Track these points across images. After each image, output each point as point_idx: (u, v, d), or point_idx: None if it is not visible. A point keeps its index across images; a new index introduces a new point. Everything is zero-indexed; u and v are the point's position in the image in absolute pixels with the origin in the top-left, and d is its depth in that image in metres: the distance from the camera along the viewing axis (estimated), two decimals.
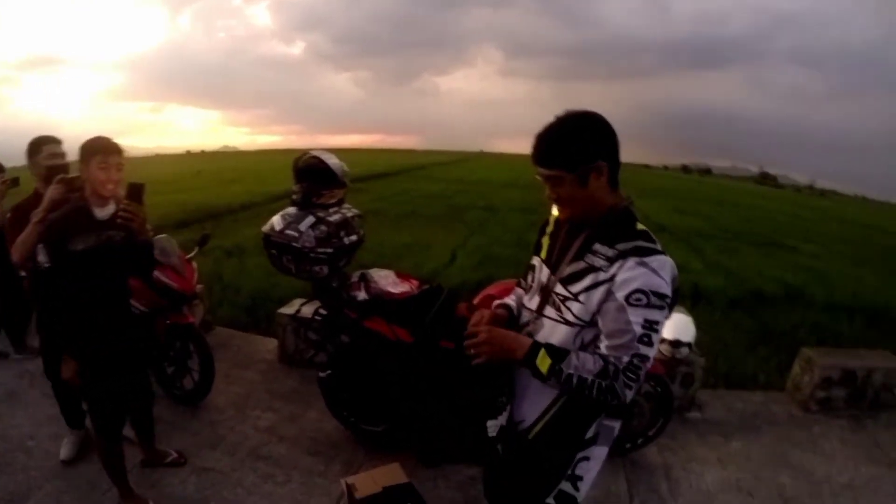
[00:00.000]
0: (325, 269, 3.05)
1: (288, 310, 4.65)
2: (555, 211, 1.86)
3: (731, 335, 6.60)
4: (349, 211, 3.17)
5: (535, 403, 1.80)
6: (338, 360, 3.46)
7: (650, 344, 1.56)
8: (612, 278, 1.60)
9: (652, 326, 1.55)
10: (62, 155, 3.34)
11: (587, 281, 1.65)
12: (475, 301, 3.36)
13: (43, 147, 3.35)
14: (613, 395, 1.57)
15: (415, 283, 3.39)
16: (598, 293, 1.62)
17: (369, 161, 47.67)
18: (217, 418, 3.99)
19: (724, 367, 5.57)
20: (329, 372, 3.47)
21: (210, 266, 8.04)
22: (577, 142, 1.62)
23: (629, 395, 1.57)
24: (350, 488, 2.90)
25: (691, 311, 4.94)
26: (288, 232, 2.99)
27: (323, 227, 2.97)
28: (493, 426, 1.85)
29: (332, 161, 3.08)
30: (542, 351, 1.63)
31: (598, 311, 1.63)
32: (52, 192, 2.86)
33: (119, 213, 2.54)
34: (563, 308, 1.71)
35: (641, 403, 3.66)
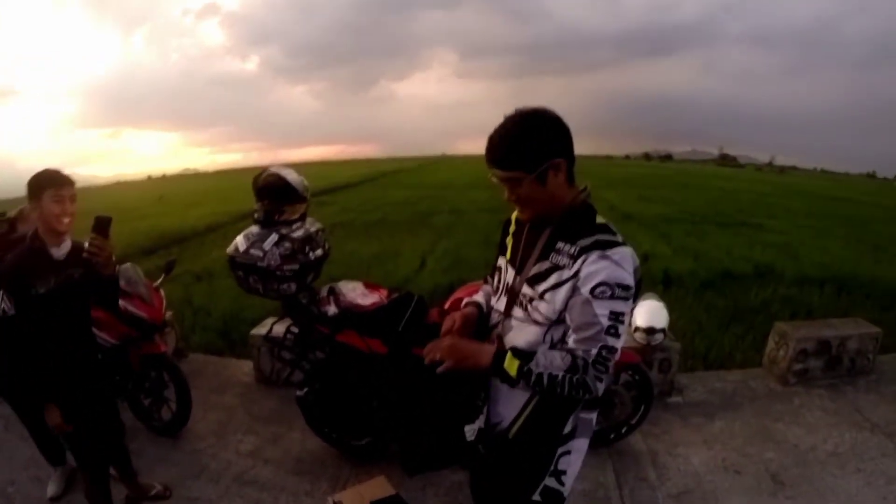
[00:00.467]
0: (293, 287, 3.02)
1: (260, 330, 4.59)
2: (516, 211, 1.85)
3: (705, 316, 6.68)
4: (312, 225, 3.14)
5: (510, 403, 1.79)
6: (314, 377, 3.42)
7: (617, 335, 1.55)
8: (575, 274, 1.59)
9: (618, 318, 1.55)
10: None
11: (552, 280, 1.64)
12: (446, 305, 3.34)
13: None
14: (585, 389, 1.56)
15: (384, 292, 3.37)
16: (563, 290, 1.62)
17: (332, 173, 47.57)
18: (198, 447, 3.91)
19: (700, 349, 5.63)
20: (306, 389, 3.43)
21: (179, 292, 7.93)
22: (532, 141, 1.60)
23: (600, 387, 1.57)
24: None
25: (663, 295, 4.98)
26: (252, 252, 2.95)
27: (287, 244, 2.94)
28: (470, 430, 1.83)
29: (292, 176, 3.05)
30: (508, 354, 1.61)
31: (565, 307, 1.62)
32: None
33: (87, 248, 2.48)
34: (530, 308, 1.70)
35: (622, 393, 3.68)
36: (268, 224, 3.02)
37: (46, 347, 2.52)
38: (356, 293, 3.26)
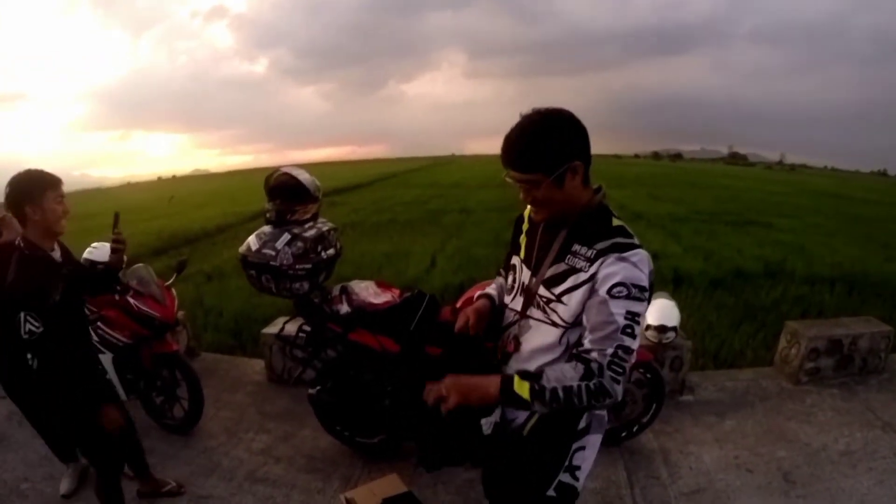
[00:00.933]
0: (305, 286, 3.03)
1: (272, 329, 4.61)
2: (529, 209, 1.85)
3: (716, 315, 6.66)
4: (324, 225, 3.16)
5: None
6: (326, 376, 3.43)
7: (633, 336, 1.54)
8: (592, 276, 1.59)
9: (634, 318, 1.54)
10: None
11: (569, 282, 1.65)
12: (458, 304, 3.35)
13: None
14: (604, 394, 1.52)
15: (396, 291, 3.38)
16: (581, 293, 1.62)
17: (342, 173, 47.67)
18: (210, 444, 3.94)
19: (711, 348, 5.62)
20: (318, 388, 3.44)
21: (191, 292, 7.97)
22: (551, 144, 1.58)
23: (619, 390, 1.53)
24: (349, 503, 2.89)
25: (673, 294, 4.98)
26: (265, 251, 2.96)
27: (299, 244, 2.95)
28: (487, 423, 1.84)
29: (304, 176, 3.06)
30: (516, 378, 1.58)
31: (582, 310, 1.62)
32: None
33: (113, 243, 2.55)
34: (547, 310, 1.71)
35: (633, 391, 3.68)
36: (280, 224, 3.03)
37: (60, 350, 2.48)
38: (368, 292, 3.27)
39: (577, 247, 1.65)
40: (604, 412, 1.86)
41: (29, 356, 2.46)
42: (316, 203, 3.12)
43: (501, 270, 2.09)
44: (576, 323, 1.65)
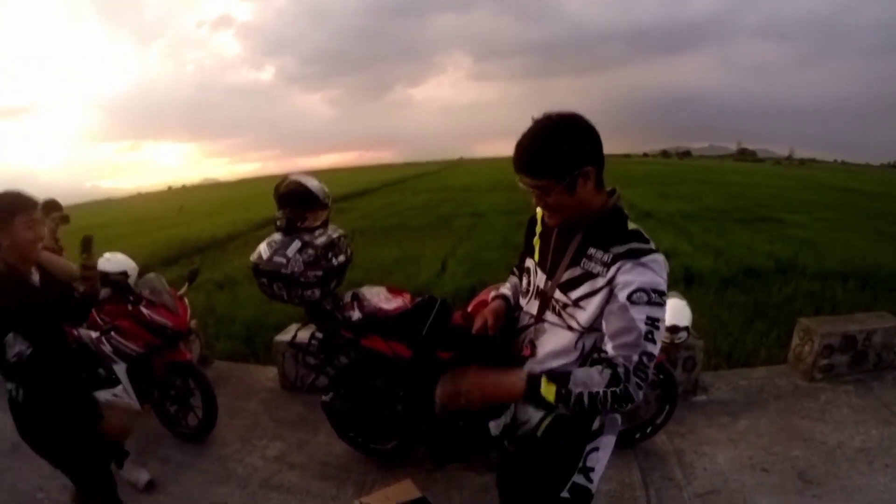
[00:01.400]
0: (317, 293, 3.04)
1: (284, 336, 4.62)
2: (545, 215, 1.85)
3: (728, 314, 6.64)
4: (335, 232, 3.16)
5: None
6: (339, 382, 3.44)
7: (655, 341, 1.55)
8: (610, 282, 1.60)
9: (654, 324, 1.54)
10: None
11: (586, 287, 1.65)
12: (469, 308, 3.35)
13: None
14: (627, 400, 1.53)
15: (407, 296, 3.38)
16: (598, 298, 1.63)
17: (350, 179, 47.77)
18: (225, 452, 3.95)
19: (724, 347, 5.60)
20: (332, 394, 3.45)
21: (203, 300, 8.00)
22: (563, 150, 1.58)
23: (640, 395, 1.55)
24: None
25: (685, 293, 4.95)
26: (276, 259, 2.97)
27: (310, 251, 2.96)
28: (495, 426, 1.85)
29: (313, 183, 3.07)
30: (544, 380, 1.60)
31: (600, 315, 1.63)
32: None
33: (82, 270, 2.49)
34: (564, 314, 1.72)
35: (646, 392, 3.67)
36: (290, 231, 3.04)
37: (56, 380, 2.48)
38: (380, 298, 3.28)
39: (592, 251, 1.66)
40: (617, 413, 1.86)
41: (12, 387, 2.43)
42: (326, 210, 3.13)
43: (515, 269, 2.11)
44: (592, 328, 1.66)
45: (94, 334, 3.74)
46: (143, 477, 3.53)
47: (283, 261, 2.95)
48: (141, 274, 4.32)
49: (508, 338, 1.97)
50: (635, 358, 1.53)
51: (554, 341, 1.75)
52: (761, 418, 4.09)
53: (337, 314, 3.21)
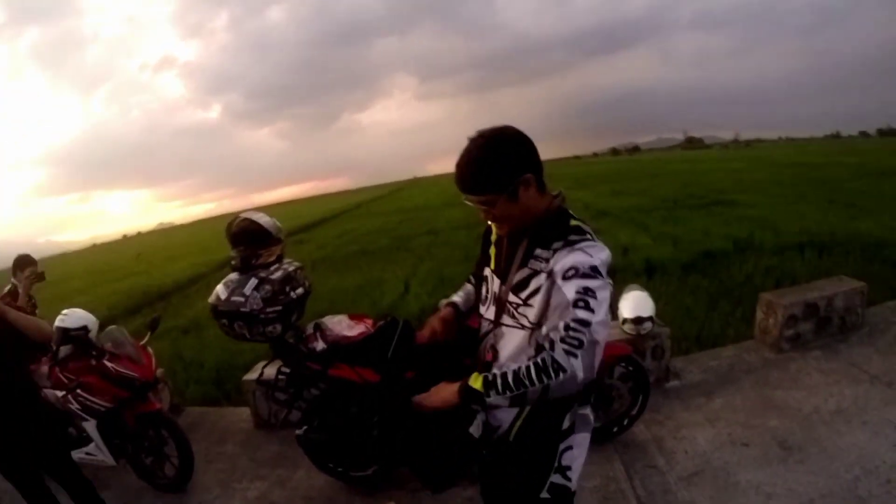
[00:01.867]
0: (279, 328, 3.02)
1: (252, 375, 4.57)
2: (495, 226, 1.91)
3: (691, 299, 6.74)
4: (290, 265, 3.15)
5: (508, 407, 1.82)
6: (311, 414, 3.41)
7: (588, 308, 1.54)
8: (550, 273, 1.64)
9: (587, 292, 1.56)
10: None
11: (532, 285, 1.70)
12: None
13: None
14: (557, 368, 1.52)
15: (369, 321, 3.37)
16: (542, 291, 1.67)
17: (306, 210, 47.65)
18: (206, 498, 3.88)
19: (691, 331, 5.67)
20: (305, 427, 3.42)
21: (168, 348, 7.88)
22: (498, 164, 1.64)
23: (575, 364, 1.52)
24: None
25: (647, 284, 5.04)
26: (234, 299, 2.95)
27: (267, 287, 2.94)
28: (475, 427, 1.86)
29: (264, 219, 3.06)
30: (473, 374, 1.66)
31: (546, 307, 1.66)
32: None
33: None
34: (517, 314, 1.76)
35: (618, 386, 3.71)
36: (246, 269, 3.02)
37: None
38: (342, 326, 3.26)
39: (538, 251, 1.70)
40: (588, 410, 1.88)
41: None
42: (279, 244, 3.12)
43: (471, 277, 2.18)
44: (541, 323, 1.69)
45: (59, 393, 3.67)
46: None
47: (241, 299, 2.93)
48: (101, 327, 4.25)
49: (461, 344, 2.03)
50: (562, 324, 1.55)
51: (512, 343, 1.79)
52: (735, 395, 4.16)
53: (301, 347, 3.19)
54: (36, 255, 5.20)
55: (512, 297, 1.76)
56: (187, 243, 36.57)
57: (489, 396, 1.60)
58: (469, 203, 1.73)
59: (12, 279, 4.64)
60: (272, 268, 3.04)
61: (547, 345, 1.56)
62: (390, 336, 3.05)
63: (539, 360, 1.54)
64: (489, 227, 1.99)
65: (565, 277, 1.59)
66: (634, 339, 4.18)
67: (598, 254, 1.62)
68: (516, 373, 1.56)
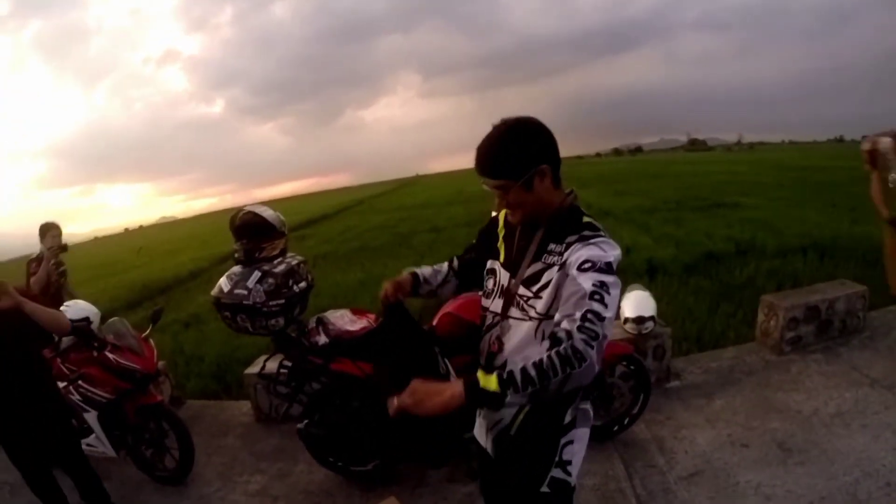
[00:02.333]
0: (281, 321, 3.03)
1: (254, 369, 4.58)
2: (502, 213, 1.94)
3: (693, 300, 6.73)
4: (293, 259, 3.16)
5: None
6: (313, 408, 3.41)
7: (603, 303, 1.53)
8: (563, 265, 1.65)
9: (603, 286, 1.55)
10: None
11: (545, 278, 1.71)
12: (434, 322, 3.36)
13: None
14: (578, 357, 1.46)
15: (371, 316, 3.38)
16: (553, 283, 1.67)
17: (308, 206, 47.60)
18: (206, 491, 3.88)
19: (693, 332, 5.67)
20: (306, 421, 3.42)
21: (170, 341, 7.87)
22: (517, 150, 1.68)
23: (592, 354, 1.47)
24: None
25: (649, 285, 5.03)
26: (237, 291, 2.95)
27: (270, 280, 2.95)
28: (480, 436, 1.87)
29: (268, 213, 3.07)
30: (480, 374, 1.51)
31: (556, 299, 1.66)
32: None
33: None
34: (526, 307, 1.76)
35: (619, 385, 3.71)
36: (249, 262, 3.03)
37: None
38: (344, 320, 3.27)
39: (552, 245, 1.72)
40: (588, 405, 1.89)
41: None
42: (283, 238, 3.12)
43: (455, 258, 2.20)
44: (548, 314, 1.69)
45: (61, 384, 3.68)
46: None
47: (244, 292, 2.94)
48: (104, 319, 4.25)
49: (467, 349, 2.05)
50: (578, 314, 1.52)
51: (518, 334, 1.78)
52: (736, 396, 4.15)
53: (303, 341, 3.20)
54: (36, 249, 5.30)
55: (522, 290, 1.77)
56: (189, 237, 36.62)
57: (507, 396, 1.47)
58: (485, 187, 1.76)
59: (40, 246, 5.24)
60: (275, 261, 3.05)
61: (563, 335, 1.51)
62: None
63: (561, 349, 1.47)
64: (492, 221, 2.02)
65: (581, 269, 1.59)
66: (636, 338, 4.18)
67: (611, 250, 1.63)
68: (538, 365, 1.46)
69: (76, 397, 3.68)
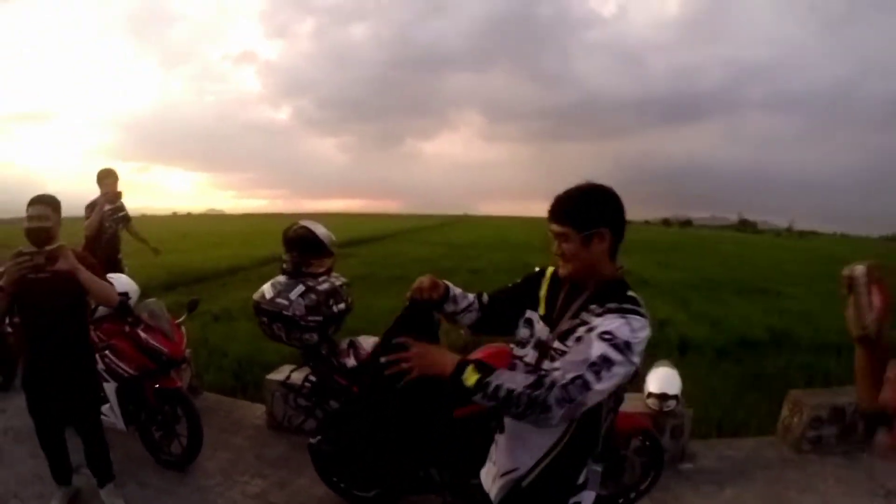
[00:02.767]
0: (315, 337, 3.08)
1: (277, 376, 4.64)
2: (552, 267, 1.99)
3: (720, 383, 6.62)
4: (337, 280, 3.22)
5: (532, 450, 1.84)
6: (328, 426, 3.45)
7: (598, 378, 1.58)
8: (592, 327, 1.69)
9: (606, 363, 1.59)
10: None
11: (577, 333, 1.74)
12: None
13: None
14: (543, 409, 1.56)
15: None
16: (583, 339, 1.70)
17: (355, 226, 47.85)
18: (205, 484, 3.94)
19: (714, 416, 5.57)
20: (319, 438, 3.46)
21: (197, 330, 7.96)
22: (588, 206, 1.78)
23: (558, 414, 1.57)
24: None
25: (679, 362, 4.98)
26: (278, 300, 3.02)
27: (312, 296, 3.01)
28: (485, 474, 1.96)
29: (321, 231, 3.15)
30: (470, 367, 1.66)
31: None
32: None
33: None
34: (557, 359, 1.77)
35: (632, 458, 3.68)
36: (295, 275, 3.10)
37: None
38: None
39: (592, 306, 1.76)
40: (599, 467, 1.89)
41: None
42: (331, 258, 3.20)
43: (484, 293, 2.26)
44: None
45: None
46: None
47: (286, 303, 3.00)
48: (141, 298, 4.36)
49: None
50: (569, 376, 1.58)
51: None
52: (747, 488, 4.08)
53: (333, 360, 3.24)
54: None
55: (557, 345, 1.80)
56: (233, 233, 37.04)
57: (475, 395, 1.63)
58: (550, 233, 1.83)
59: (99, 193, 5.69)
60: (320, 279, 3.12)
61: (547, 383, 1.58)
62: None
63: (535, 394, 1.57)
64: (539, 272, 2.07)
65: (600, 338, 1.62)
66: (656, 414, 4.15)
67: (639, 332, 1.66)
68: (510, 392, 1.58)
69: (100, 366, 3.77)
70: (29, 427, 3.42)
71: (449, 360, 1.71)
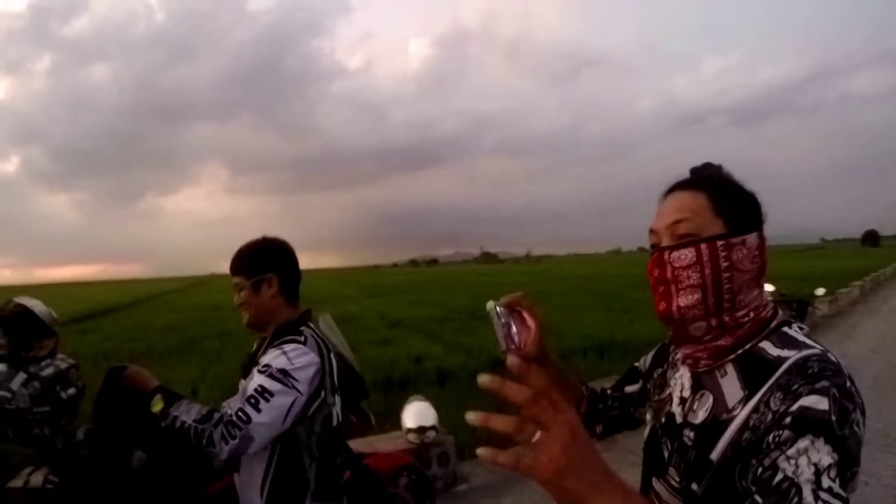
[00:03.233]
0: (46, 430, 2.78)
1: (17, 483, 4.09)
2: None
3: (480, 405, 6.78)
4: (63, 362, 2.94)
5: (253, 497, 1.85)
6: None
7: (257, 408, 1.68)
8: (259, 363, 1.80)
9: (264, 393, 1.70)
10: None
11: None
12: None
13: None
14: (209, 443, 1.66)
15: None
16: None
17: (94, 295, 43.91)
18: None
19: (480, 436, 5.83)
20: None
21: None
22: (255, 256, 1.92)
23: (225, 450, 1.67)
24: None
25: (439, 391, 5.19)
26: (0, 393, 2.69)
27: (36, 384, 2.72)
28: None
29: (40, 309, 2.87)
30: (158, 396, 1.75)
31: None
32: None
33: None
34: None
35: (403, 495, 3.73)
36: (13, 362, 2.78)
37: None
38: None
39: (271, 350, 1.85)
40: None
41: None
42: (53, 338, 2.92)
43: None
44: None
45: None
46: None
47: (8, 395, 2.68)
48: None
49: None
50: (234, 409, 1.70)
51: None
52: (523, 492, 4.34)
53: (72, 453, 2.94)
54: None
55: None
56: None
57: (162, 423, 1.72)
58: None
59: None
60: (43, 363, 2.83)
61: (214, 418, 1.68)
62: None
63: (201, 428, 1.66)
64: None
65: (258, 371, 1.74)
66: (419, 447, 4.28)
67: (297, 359, 1.77)
68: (182, 424, 1.68)
69: None
70: None
71: (151, 384, 1.81)
